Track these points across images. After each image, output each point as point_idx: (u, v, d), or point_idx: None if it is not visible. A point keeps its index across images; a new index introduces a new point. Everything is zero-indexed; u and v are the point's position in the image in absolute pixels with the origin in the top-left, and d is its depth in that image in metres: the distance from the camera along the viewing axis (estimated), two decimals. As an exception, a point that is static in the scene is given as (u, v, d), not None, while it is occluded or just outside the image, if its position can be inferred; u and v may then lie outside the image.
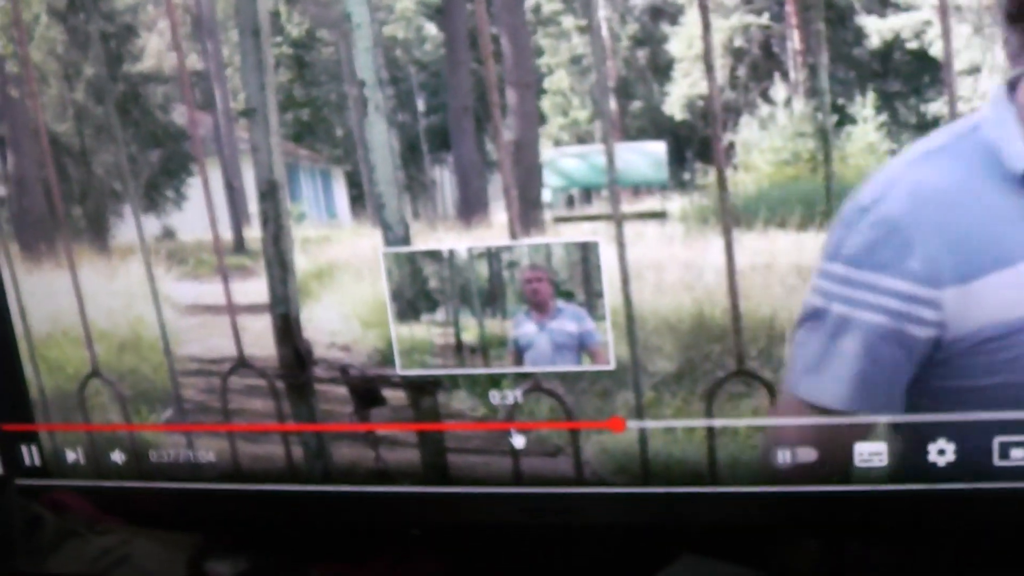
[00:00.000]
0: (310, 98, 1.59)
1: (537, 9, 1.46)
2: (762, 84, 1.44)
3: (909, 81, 1.35)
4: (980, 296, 1.17)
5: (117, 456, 1.86)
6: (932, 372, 1.27)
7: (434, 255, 1.55)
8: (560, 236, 1.49)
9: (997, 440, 1.35)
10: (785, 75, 1.43)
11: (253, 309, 1.70)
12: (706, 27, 1.41)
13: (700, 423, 1.48)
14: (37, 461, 1.90)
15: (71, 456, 1.89)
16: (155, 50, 1.66)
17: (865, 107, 1.38)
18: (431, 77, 1.52)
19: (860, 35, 1.36)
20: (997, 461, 1.36)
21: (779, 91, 1.43)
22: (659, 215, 1.49)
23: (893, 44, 1.34)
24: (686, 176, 1.48)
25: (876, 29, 1.35)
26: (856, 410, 1.33)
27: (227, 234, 1.64)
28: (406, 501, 1.72)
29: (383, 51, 1.51)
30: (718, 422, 1.46)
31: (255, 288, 1.68)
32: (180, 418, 1.80)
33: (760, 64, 1.44)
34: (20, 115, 1.74)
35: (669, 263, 1.49)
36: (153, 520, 1.91)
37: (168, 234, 1.70)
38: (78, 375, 1.84)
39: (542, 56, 1.47)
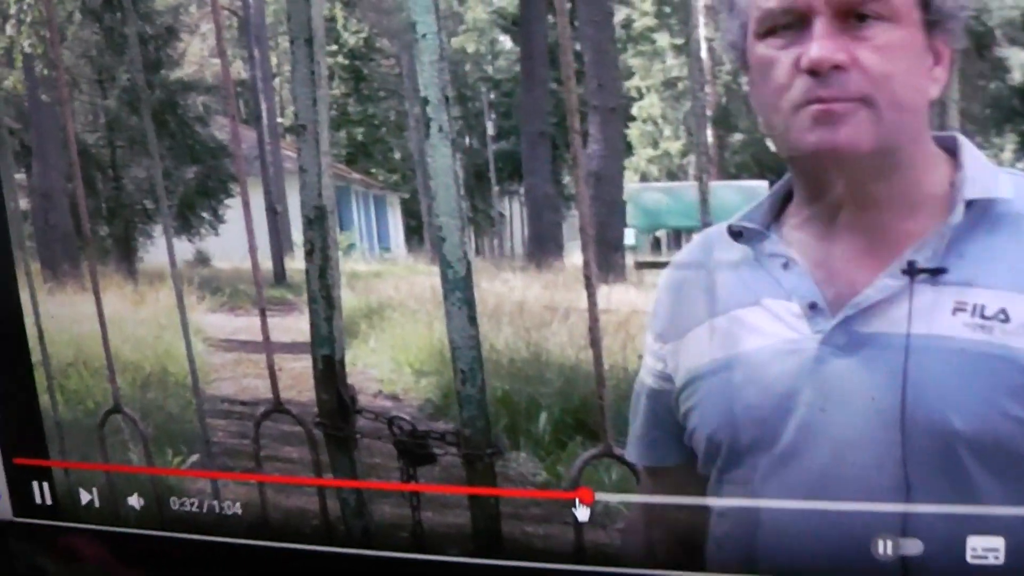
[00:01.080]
0: (366, 115, 1.49)
1: (628, 24, 1.34)
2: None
3: (1060, 124, 1.19)
4: (686, 348, 1.25)
5: (135, 500, 1.74)
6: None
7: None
8: (643, 284, 1.34)
9: None
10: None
11: (293, 348, 1.66)
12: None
13: (720, 502, 1.29)
14: (49, 500, 1.77)
15: (86, 497, 1.76)
16: (197, 56, 1.57)
17: (1003, 151, 1.23)
18: (503, 97, 1.41)
19: (1000, 68, 1.20)
20: None
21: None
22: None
23: (1040, 79, 1.17)
24: (790, 221, 1.33)
25: (1020, 62, 1.19)
26: (652, 465, 1.34)
27: (267, 264, 1.53)
28: (453, 571, 1.57)
29: (450, 66, 1.41)
30: (739, 502, 1.28)
31: (296, 325, 1.63)
32: (207, 463, 1.72)
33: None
34: (49, 122, 1.64)
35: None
36: (170, 575, 1.77)
37: (202, 260, 1.60)
38: (98, 409, 1.75)
39: (631, 78, 1.34)
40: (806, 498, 1.21)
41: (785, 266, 1.18)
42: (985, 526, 1.19)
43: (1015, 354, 1.09)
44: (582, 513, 1.46)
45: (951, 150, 1.15)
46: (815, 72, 1.05)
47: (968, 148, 1.16)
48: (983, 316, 1.10)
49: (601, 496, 1.43)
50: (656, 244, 1.40)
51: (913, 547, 1.22)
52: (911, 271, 1.10)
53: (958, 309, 1.10)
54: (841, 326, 1.14)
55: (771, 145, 1.27)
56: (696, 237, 1.33)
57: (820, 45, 1.05)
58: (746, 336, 1.21)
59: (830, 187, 1.15)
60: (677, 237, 1.37)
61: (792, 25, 1.08)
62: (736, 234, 1.22)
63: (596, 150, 1.39)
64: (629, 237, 1.41)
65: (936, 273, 1.10)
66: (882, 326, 1.13)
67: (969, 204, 1.10)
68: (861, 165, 1.09)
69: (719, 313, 1.23)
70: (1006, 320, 1.09)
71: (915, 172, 1.13)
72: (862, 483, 1.17)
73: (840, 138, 1.06)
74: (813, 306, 1.16)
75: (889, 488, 1.16)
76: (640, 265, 1.38)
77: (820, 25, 1.05)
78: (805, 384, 1.17)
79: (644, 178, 1.40)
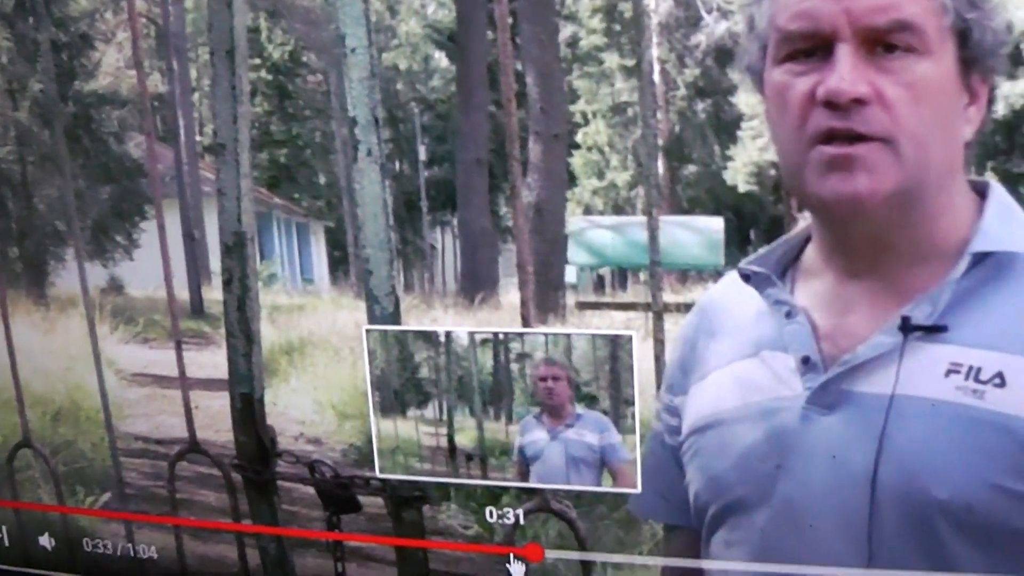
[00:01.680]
0: (290, 136, 1.41)
1: (574, 42, 1.26)
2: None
3: (1042, 161, 1.09)
4: (691, 401, 1.17)
5: (46, 541, 1.63)
6: None
7: (429, 338, 1.35)
8: (585, 326, 1.23)
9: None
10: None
11: (210, 385, 1.54)
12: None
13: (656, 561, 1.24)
14: (-47, 539, 1.71)
15: None
16: (112, 67, 1.47)
17: None
18: (438, 120, 1.33)
19: None
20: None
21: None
22: (710, 307, 1.36)
23: (1023, 114, 1.07)
24: (748, 261, 1.33)
25: (1003, 93, 1.08)
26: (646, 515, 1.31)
27: (184, 293, 1.43)
28: None
29: (381, 84, 1.31)
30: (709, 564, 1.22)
31: (213, 360, 1.54)
32: (120, 505, 1.62)
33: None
34: (-45, 135, 1.57)
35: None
36: None
37: (116, 287, 1.51)
38: (7, 444, 1.66)
39: (577, 102, 1.25)
40: (780, 562, 1.14)
41: (788, 315, 1.10)
42: None
43: (1006, 421, 1.00)
44: (517, 571, 1.38)
45: (984, 196, 1.07)
46: (833, 105, 0.96)
47: (996, 196, 1.07)
48: (977, 380, 1.01)
49: (551, 553, 1.36)
50: (600, 283, 1.31)
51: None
52: (905, 328, 1.02)
53: (952, 371, 1.01)
54: (829, 384, 1.05)
55: (727, 178, 1.18)
56: (723, 279, 1.25)
57: (841, 75, 0.95)
58: (739, 391, 1.14)
59: (844, 233, 1.07)
60: (623, 276, 1.28)
61: (814, 52, 0.98)
62: (746, 277, 1.14)
63: (537, 180, 1.31)
64: (571, 275, 1.33)
65: (933, 331, 1.02)
66: (870, 386, 1.05)
67: (981, 257, 1.02)
68: (879, 213, 1.01)
69: (722, 365, 1.15)
70: (1001, 385, 1.01)
71: (938, 221, 1.04)
72: (827, 551, 1.10)
73: (857, 186, 0.98)
74: (806, 361, 1.07)
75: (852, 556, 1.09)
76: (582, 306, 1.30)
77: (843, 53, 0.96)
78: (785, 447, 1.09)
79: (588, 211, 1.31)
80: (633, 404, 1.29)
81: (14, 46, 1.52)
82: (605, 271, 1.24)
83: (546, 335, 1.32)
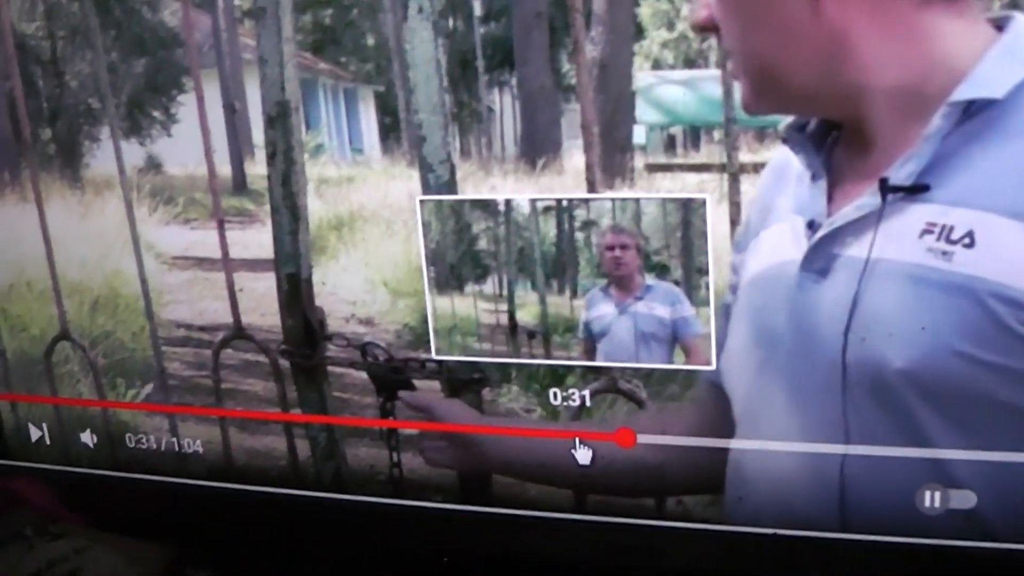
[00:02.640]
0: None
1: None
2: None
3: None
4: (741, 262, 1.23)
5: (88, 438, 1.65)
6: None
7: (487, 207, 1.31)
8: (655, 190, 1.26)
9: None
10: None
11: (255, 266, 1.49)
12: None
13: (780, 446, 1.22)
14: (-7, 437, 1.72)
15: (36, 434, 1.68)
16: None
17: None
18: None
19: None
20: None
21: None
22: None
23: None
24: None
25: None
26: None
27: (225, 169, 1.40)
28: (436, 521, 1.49)
29: None
30: (804, 446, 1.20)
31: (258, 239, 1.46)
32: (163, 397, 1.58)
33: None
34: (-20, 11, 1.53)
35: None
36: (122, 522, 1.69)
37: (153, 165, 1.50)
38: (44, 337, 1.63)
39: None
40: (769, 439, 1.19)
41: (813, 178, 1.13)
42: (944, 475, 1.12)
43: (970, 283, 1.01)
44: (583, 456, 1.36)
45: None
46: None
47: (1010, 33, 1.03)
48: (948, 239, 1.02)
49: (643, 438, 1.32)
50: (671, 143, 1.30)
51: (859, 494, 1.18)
52: (883, 188, 1.04)
53: (927, 231, 1.03)
54: (818, 247, 1.10)
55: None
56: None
57: None
58: (769, 254, 1.18)
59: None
60: (695, 136, 1.25)
61: None
62: (784, 140, 1.17)
63: (601, 33, 1.26)
64: (639, 135, 1.30)
65: (915, 191, 1.04)
66: (851, 249, 1.08)
67: (967, 108, 1.00)
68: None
69: (768, 225, 1.19)
70: (971, 245, 1.01)
71: (935, 69, 1.02)
72: (808, 428, 1.15)
73: None
74: (811, 224, 1.12)
75: (831, 434, 1.13)
76: (652, 168, 1.29)
77: None
78: (779, 313, 1.15)
79: (657, 66, 1.27)
80: (707, 274, 1.25)
81: (39, -90, 1.47)
82: (676, 130, 1.19)
83: (613, 200, 1.27)
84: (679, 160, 1.27)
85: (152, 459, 1.62)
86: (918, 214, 1.03)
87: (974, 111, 1.01)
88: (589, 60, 1.26)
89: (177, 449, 1.60)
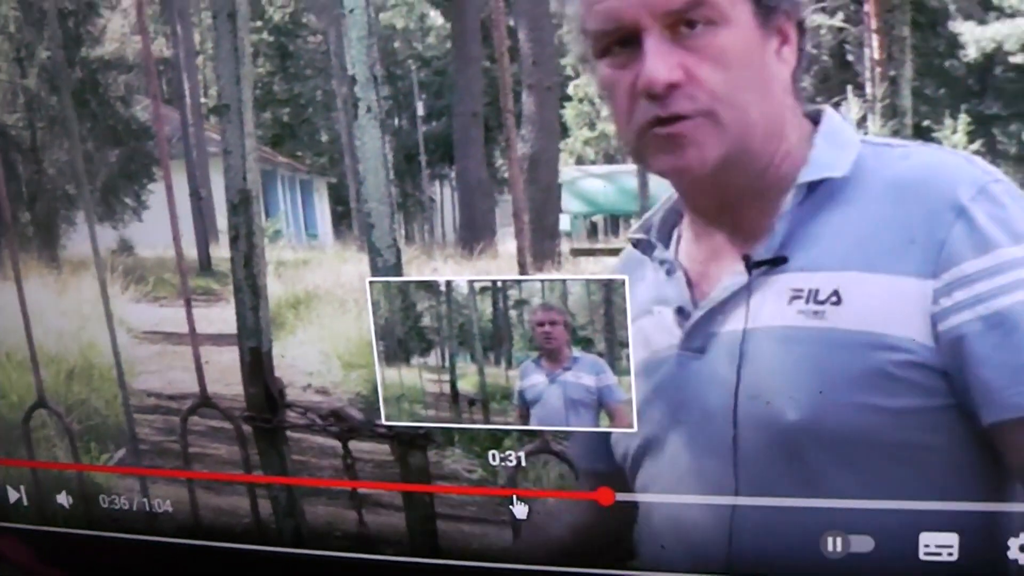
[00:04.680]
0: (292, 95, 1.44)
1: None
2: (832, 98, 1.26)
3: (1012, 103, 1.14)
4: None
5: (63, 499, 1.70)
6: None
7: (430, 287, 1.39)
8: (580, 272, 1.36)
9: None
10: (860, 89, 1.25)
11: (219, 340, 1.58)
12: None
13: (723, 500, 1.26)
14: (-27, 500, 1.73)
15: (13, 495, 1.73)
16: (118, 33, 1.50)
17: (956, 132, 1.20)
18: (434, 76, 1.35)
19: (954, 44, 1.20)
20: None
21: (852, 108, 1.27)
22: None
23: (994, 57, 1.13)
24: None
25: (974, 38, 1.15)
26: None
27: (192, 251, 1.47)
28: (388, 572, 1.55)
29: (379, 42, 1.38)
30: (744, 500, 1.26)
31: (222, 316, 1.55)
32: (134, 460, 1.67)
33: (831, 74, 1.23)
34: (-36, 103, 1.59)
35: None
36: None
37: (126, 247, 1.55)
38: (23, 404, 1.70)
39: (567, 55, 1.29)
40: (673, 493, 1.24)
41: (668, 272, 1.19)
42: (845, 522, 1.18)
43: (847, 336, 1.07)
44: (520, 511, 1.43)
45: (818, 125, 1.14)
46: (652, 94, 1.04)
47: (826, 124, 1.13)
48: (816, 301, 1.09)
49: (621, 496, 1.38)
50: (593, 230, 1.35)
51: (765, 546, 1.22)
52: (748, 265, 1.10)
53: (795, 297, 1.10)
54: (695, 329, 1.15)
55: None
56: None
57: (652, 66, 1.03)
58: (639, 347, 1.24)
59: (691, 193, 1.16)
60: (615, 223, 1.33)
61: (626, 42, 1.05)
62: (635, 244, 1.23)
63: (531, 131, 1.35)
64: (565, 223, 1.37)
65: (776, 263, 1.10)
66: (727, 325, 1.13)
67: (814, 186, 1.09)
68: (715, 175, 1.08)
69: (631, 322, 1.25)
70: (838, 302, 1.08)
71: (775, 161, 1.11)
72: (707, 486, 1.19)
73: (686, 160, 1.06)
74: (680, 311, 1.17)
75: (724, 487, 1.18)
76: (576, 252, 1.34)
77: (651, 42, 1.03)
78: (669, 392, 1.19)
79: (580, 161, 1.37)
80: (627, 346, 1.32)
81: (21, 15, 1.56)
82: (598, 218, 1.28)
83: (542, 281, 1.35)
84: (601, 245, 1.37)
85: (125, 518, 1.66)
86: (783, 283, 1.10)
87: (816, 188, 1.10)
88: (520, 156, 1.35)
89: (148, 509, 1.65)
